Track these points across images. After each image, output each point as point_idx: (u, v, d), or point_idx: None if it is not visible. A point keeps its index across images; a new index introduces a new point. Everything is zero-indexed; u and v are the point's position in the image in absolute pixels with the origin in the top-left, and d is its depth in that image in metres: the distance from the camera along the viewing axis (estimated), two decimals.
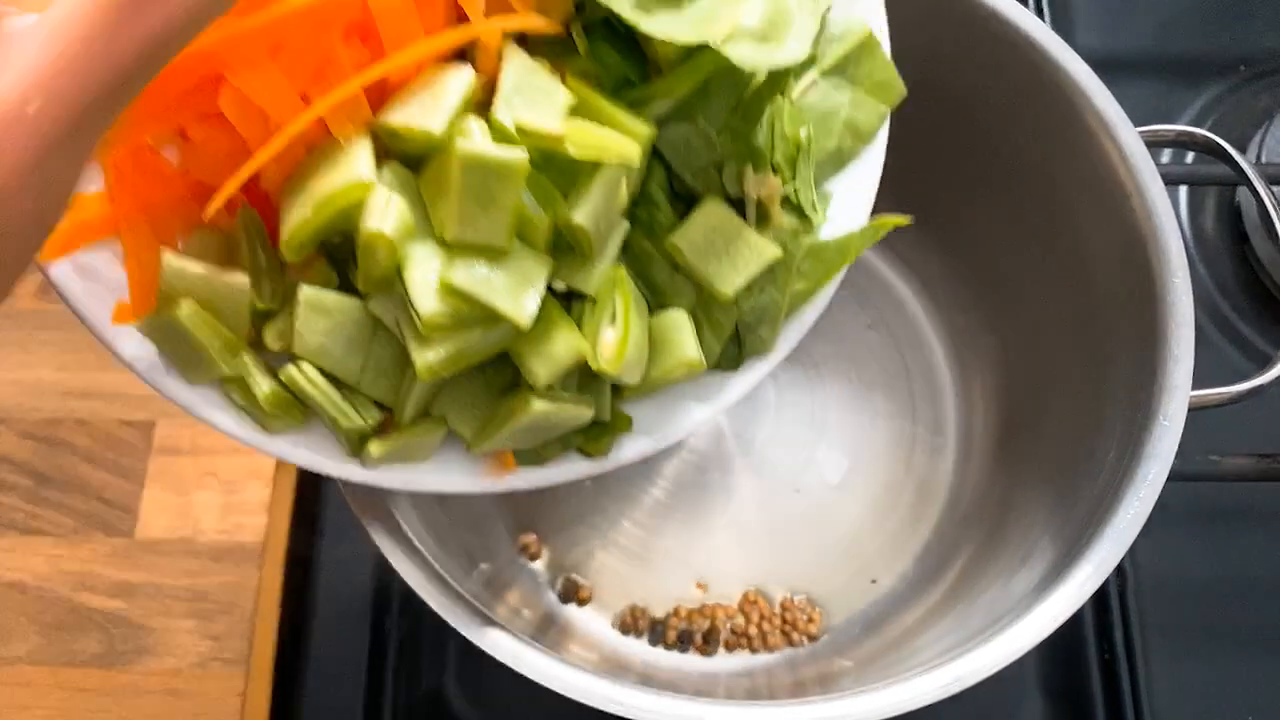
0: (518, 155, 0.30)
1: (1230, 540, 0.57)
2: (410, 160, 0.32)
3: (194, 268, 0.32)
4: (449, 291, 0.30)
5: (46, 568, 0.61)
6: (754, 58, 0.30)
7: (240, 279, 0.32)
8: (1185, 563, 0.56)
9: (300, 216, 0.30)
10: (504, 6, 0.32)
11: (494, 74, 0.32)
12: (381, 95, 0.32)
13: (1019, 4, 0.46)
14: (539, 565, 0.56)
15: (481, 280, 0.31)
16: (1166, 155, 0.65)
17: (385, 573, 0.56)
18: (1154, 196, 0.43)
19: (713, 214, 0.35)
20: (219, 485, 0.63)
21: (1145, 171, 0.44)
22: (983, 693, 0.37)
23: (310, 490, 0.59)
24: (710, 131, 0.34)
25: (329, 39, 0.30)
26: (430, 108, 0.30)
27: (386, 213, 0.30)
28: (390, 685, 0.54)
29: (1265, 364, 0.46)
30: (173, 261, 0.31)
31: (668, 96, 0.33)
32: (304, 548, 0.57)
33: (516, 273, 0.31)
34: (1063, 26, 0.68)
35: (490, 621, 0.39)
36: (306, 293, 0.32)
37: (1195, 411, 0.41)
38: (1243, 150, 0.56)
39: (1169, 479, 0.40)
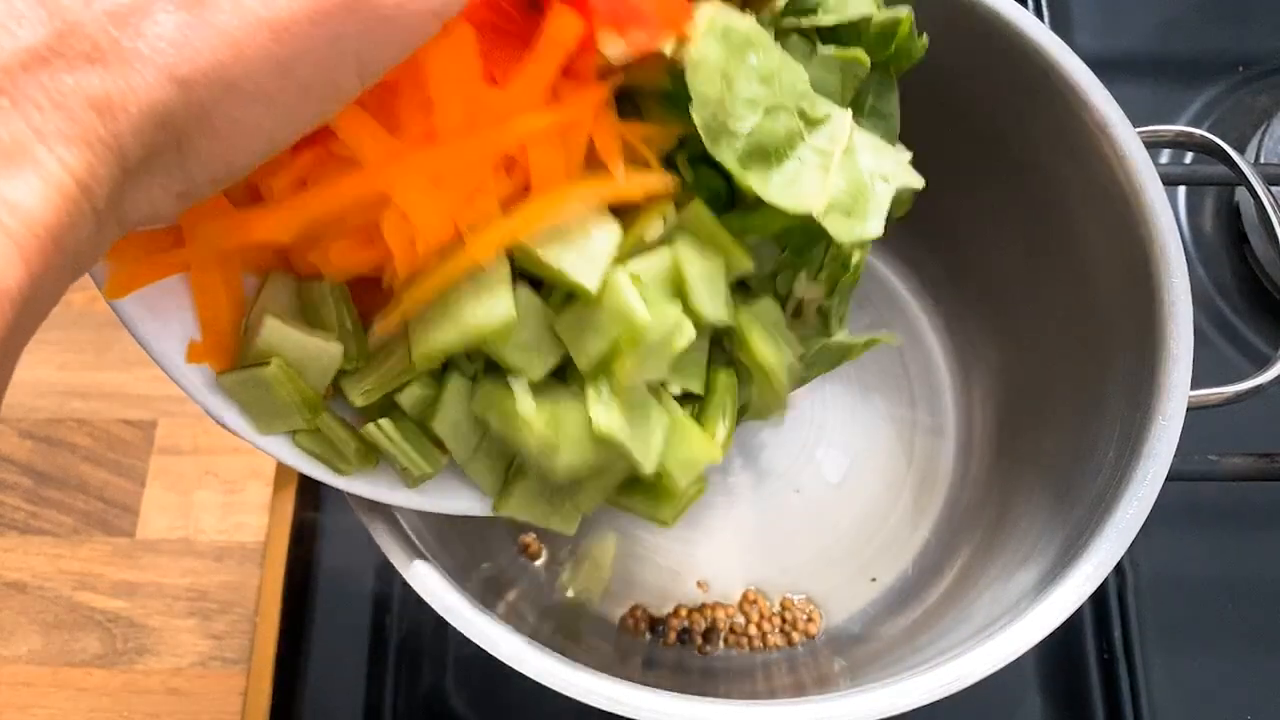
0: (690, 336, 0.35)
1: (1229, 540, 0.57)
2: (536, 280, 0.35)
3: (292, 332, 0.33)
4: (588, 436, 0.35)
5: (47, 567, 0.61)
6: (847, 234, 0.35)
7: (334, 347, 0.34)
8: (1184, 562, 0.56)
9: (443, 340, 0.33)
10: (631, 150, 0.35)
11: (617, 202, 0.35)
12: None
13: (1018, 4, 0.46)
14: (539, 565, 0.57)
15: (620, 427, 0.35)
16: (1165, 155, 0.65)
17: (386, 572, 0.56)
18: (1152, 197, 0.43)
19: (768, 310, 0.41)
20: (220, 485, 0.63)
21: (1144, 172, 0.44)
22: (983, 693, 0.37)
23: (311, 490, 0.59)
24: (777, 251, 0.40)
25: (485, 170, 0.32)
26: (580, 255, 0.34)
27: (543, 424, 0.34)
28: (390, 685, 0.54)
29: (1264, 364, 0.46)
30: (274, 324, 0.33)
31: (762, 233, 0.38)
32: (305, 547, 0.57)
33: (644, 418, 0.36)
34: (1061, 27, 0.68)
35: (490, 621, 0.39)
36: (457, 383, 0.36)
37: (1194, 411, 0.41)
38: (1241, 150, 0.56)
39: (1168, 478, 0.40)
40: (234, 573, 0.61)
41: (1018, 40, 0.46)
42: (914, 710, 0.37)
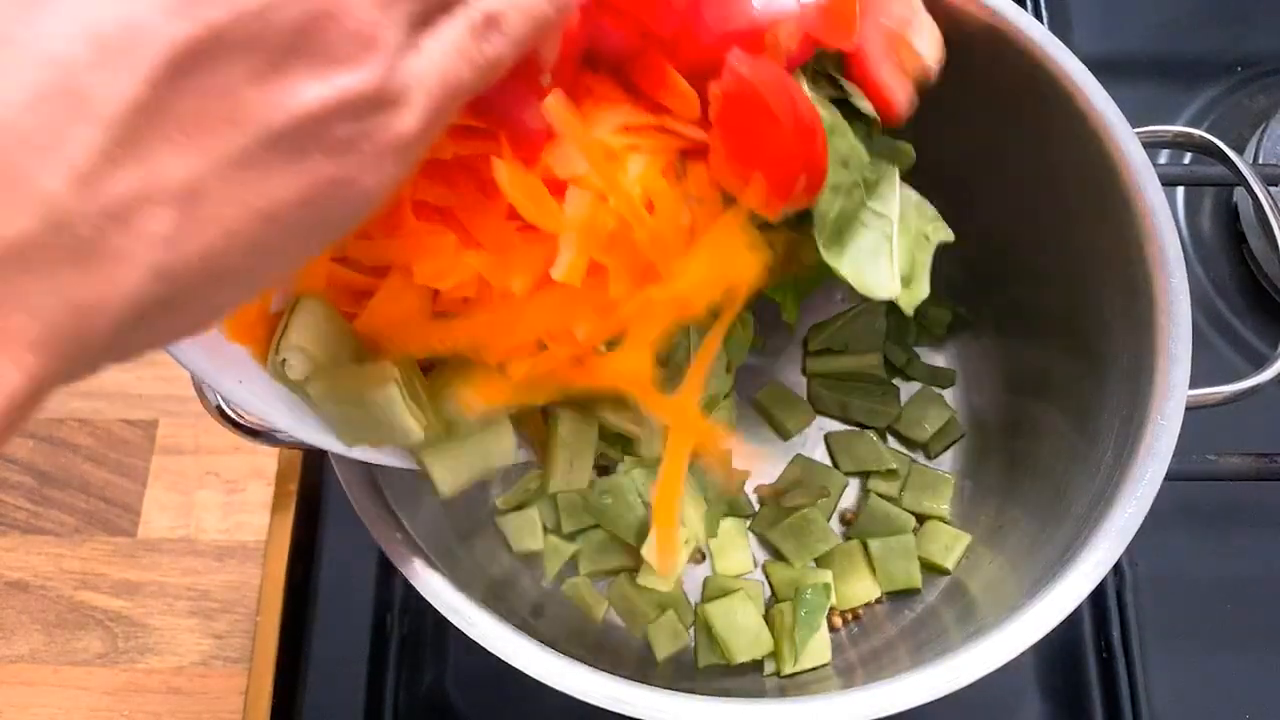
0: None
1: (1227, 539, 0.57)
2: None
3: (404, 406, 0.37)
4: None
5: (49, 566, 0.61)
6: (909, 303, 0.40)
7: (419, 434, 0.38)
8: (1182, 562, 0.56)
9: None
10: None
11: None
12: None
13: (1017, 5, 0.46)
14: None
15: None
16: (1164, 156, 0.65)
17: (387, 572, 0.56)
18: (1151, 197, 0.43)
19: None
20: (221, 484, 0.63)
21: (1143, 172, 0.44)
22: (982, 692, 0.37)
23: (312, 489, 0.59)
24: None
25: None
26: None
27: None
28: (391, 684, 0.54)
29: (1262, 363, 0.46)
30: (393, 391, 0.36)
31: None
32: (306, 547, 0.57)
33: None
34: (1060, 28, 0.68)
35: (492, 621, 0.39)
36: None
37: (1193, 411, 0.41)
38: (1240, 151, 0.56)
39: (1166, 478, 0.40)
40: (235, 572, 0.61)
41: (1016, 41, 0.46)
42: (914, 709, 0.37)
